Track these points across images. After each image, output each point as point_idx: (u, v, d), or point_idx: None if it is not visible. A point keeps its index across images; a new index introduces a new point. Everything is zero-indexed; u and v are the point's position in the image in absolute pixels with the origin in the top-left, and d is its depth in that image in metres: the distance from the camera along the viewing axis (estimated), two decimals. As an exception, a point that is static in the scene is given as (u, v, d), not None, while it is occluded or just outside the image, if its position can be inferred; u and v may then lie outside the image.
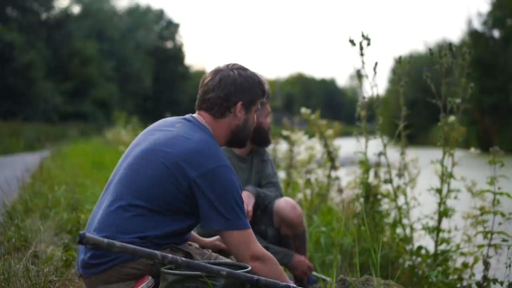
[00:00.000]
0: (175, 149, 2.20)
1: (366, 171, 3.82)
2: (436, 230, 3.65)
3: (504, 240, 3.35)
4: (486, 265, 3.45)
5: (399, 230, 3.95)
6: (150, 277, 2.16)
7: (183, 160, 2.18)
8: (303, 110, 5.34)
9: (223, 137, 2.37)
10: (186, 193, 2.19)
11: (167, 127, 2.33)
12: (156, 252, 2.00)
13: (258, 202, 3.16)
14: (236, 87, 2.34)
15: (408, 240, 3.83)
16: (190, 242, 2.40)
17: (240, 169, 3.23)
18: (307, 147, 5.48)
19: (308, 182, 5.37)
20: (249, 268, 2.15)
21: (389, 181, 3.86)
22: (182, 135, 2.24)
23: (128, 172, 2.23)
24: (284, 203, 3.19)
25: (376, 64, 3.65)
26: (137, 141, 2.34)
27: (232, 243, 2.24)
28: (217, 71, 2.37)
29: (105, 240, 1.93)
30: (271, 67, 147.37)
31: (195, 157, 2.18)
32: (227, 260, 2.29)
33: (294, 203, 3.20)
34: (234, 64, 2.40)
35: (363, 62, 3.67)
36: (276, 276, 2.25)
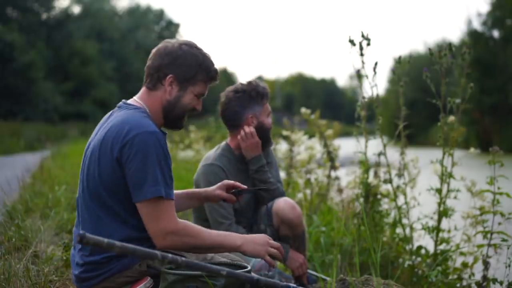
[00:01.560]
0: (104, 135, 2.16)
1: (366, 171, 3.82)
2: (435, 230, 3.65)
3: (503, 240, 3.35)
4: (486, 265, 3.46)
5: (399, 230, 3.95)
6: (149, 278, 2.16)
7: (110, 141, 2.12)
8: (303, 110, 5.35)
9: (158, 113, 2.26)
10: (123, 174, 2.11)
11: (102, 124, 2.28)
12: (156, 252, 2.00)
13: (259, 166, 3.19)
14: (170, 59, 2.23)
15: (407, 240, 3.83)
16: None
17: (239, 171, 3.23)
18: (307, 147, 5.48)
19: (308, 182, 5.38)
20: (249, 268, 2.14)
21: (389, 181, 3.86)
22: (111, 122, 2.19)
23: (84, 180, 2.20)
24: (283, 203, 3.19)
25: (376, 64, 3.66)
26: (85, 151, 2.30)
27: (142, 216, 2.10)
28: (168, 42, 2.29)
29: (105, 240, 1.93)
30: (271, 67, 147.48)
31: (117, 133, 2.11)
32: (226, 260, 2.29)
33: (293, 203, 3.20)
34: (185, 40, 2.29)
35: (363, 62, 3.68)
36: (197, 244, 2.11)
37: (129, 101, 2.29)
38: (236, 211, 3.18)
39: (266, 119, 3.25)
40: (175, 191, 2.51)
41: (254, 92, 3.21)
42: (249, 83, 3.25)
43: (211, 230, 2.19)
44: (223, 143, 3.31)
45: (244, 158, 3.25)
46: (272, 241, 2.25)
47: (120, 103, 2.30)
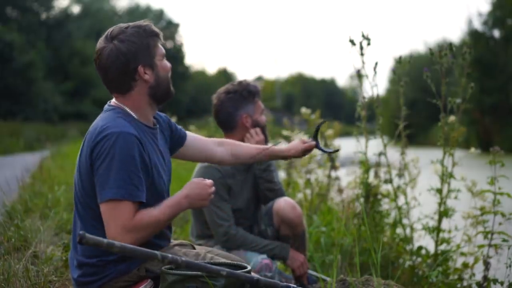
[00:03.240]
0: (83, 143, 2.16)
1: (366, 171, 3.82)
2: (436, 230, 3.65)
3: (504, 240, 3.35)
4: (487, 265, 3.46)
5: (399, 230, 3.95)
6: (149, 279, 2.15)
7: (85, 150, 2.12)
8: (303, 110, 5.35)
9: (145, 104, 2.22)
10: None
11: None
12: (156, 252, 1.99)
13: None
14: (125, 55, 2.15)
15: (408, 240, 3.83)
16: (183, 242, 2.37)
17: (238, 171, 3.23)
18: (307, 147, 5.47)
19: (308, 182, 5.37)
20: (249, 268, 2.14)
21: (389, 181, 3.86)
22: (90, 128, 2.18)
23: (75, 189, 2.20)
24: (283, 203, 3.19)
25: (376, 64, 3.66)
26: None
27: (103, 218, 2.08)
28: (100, 50, 2.17)
29: (105, 240, 1.92)
30: (271, 67, 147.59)
31: (89, 140, 2.11)
32: (226, 260, 2.28)
33: (294, 203, 3.20)
34: (111, 32, 2.19)
35: (363, 62, 3.68)
36: (156, 228, 2.11)
37: (112, 104, 2.24)
38: (236, 212, 3.18)
39: (260, 117, 3.25)
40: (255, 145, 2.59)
41: (246, 92, 3.20)
42: (240, 83, 3.25)
43: (160, 206, 2.14)
44: None
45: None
46: (210, 186, 2.20)
47: (106, 105, 2.25)
